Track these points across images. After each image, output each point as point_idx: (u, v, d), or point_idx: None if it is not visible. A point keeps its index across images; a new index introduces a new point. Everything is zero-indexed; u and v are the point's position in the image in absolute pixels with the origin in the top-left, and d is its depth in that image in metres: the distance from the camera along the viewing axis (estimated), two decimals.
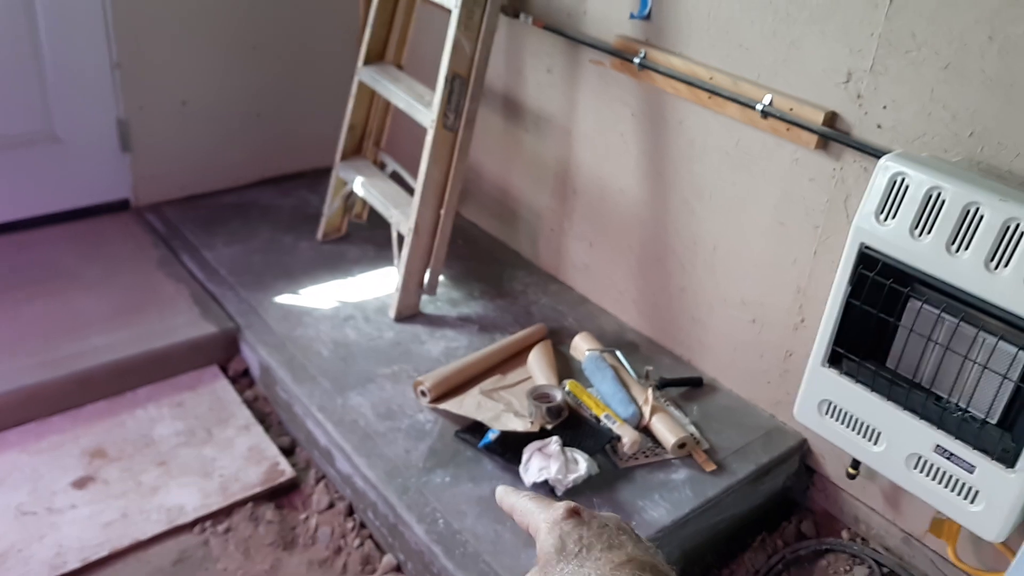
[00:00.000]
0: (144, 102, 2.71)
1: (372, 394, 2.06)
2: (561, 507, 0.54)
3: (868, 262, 1.58)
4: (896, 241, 1.53)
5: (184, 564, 1.78)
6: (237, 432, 2.10)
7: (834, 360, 1.70)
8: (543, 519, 0.54)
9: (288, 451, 2.10)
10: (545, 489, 1.76)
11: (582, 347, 2.21)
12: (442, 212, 2.28)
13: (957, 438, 1.55)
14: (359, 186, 2.51)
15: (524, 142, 2.60)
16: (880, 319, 1.61)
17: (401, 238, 2.32)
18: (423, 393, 2.02)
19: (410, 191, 2.34)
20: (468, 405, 1.99)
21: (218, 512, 1.88)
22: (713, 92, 1.94)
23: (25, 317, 2.26)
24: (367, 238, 2.75)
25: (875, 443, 1.68)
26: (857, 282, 1.61)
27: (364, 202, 2.72)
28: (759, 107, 1.84)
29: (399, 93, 2.32)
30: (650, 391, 2.03)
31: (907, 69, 1.61)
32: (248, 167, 3.02)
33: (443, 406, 1.99)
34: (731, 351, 2.15)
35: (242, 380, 2.31)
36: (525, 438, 1.86)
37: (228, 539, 1.84)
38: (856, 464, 1.86)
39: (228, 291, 2.43)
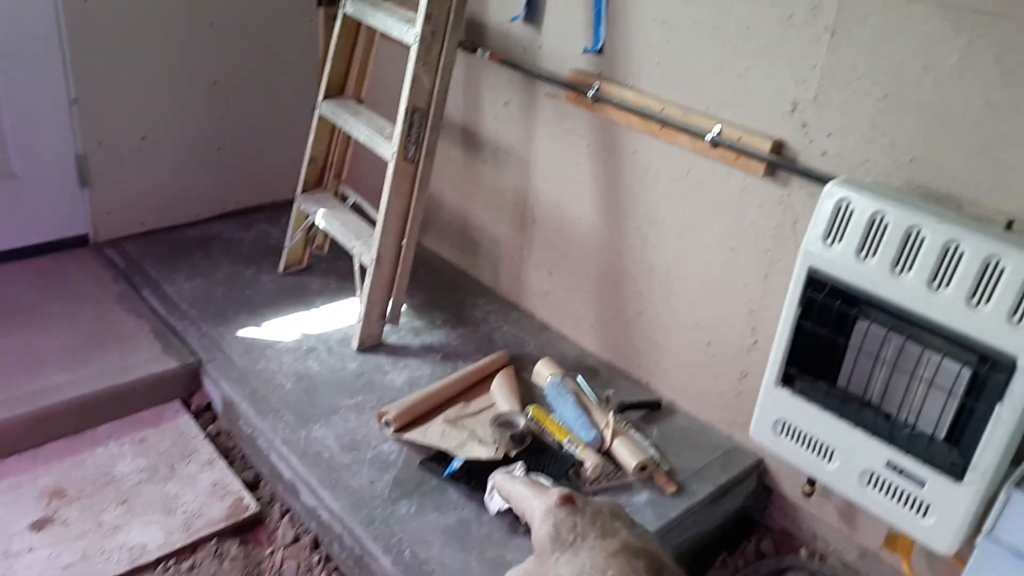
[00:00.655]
0: (103, 137, 2.71)
1: (336, 426, 2.06)
2: (555, 494, 0.54)
3: (816, 284, 1.64)
4: (843, 264, 1.59)
5: None
6: (200, 467, 2.09)
7: (787, 380, 1.75)
8: (537, 507, 0.54)
9: (252, 485, 2.09)
10: (510, 518, 1.78)
11: (544, 373, 2.24)
12: (404, 242, 2.30)
13: (907, 453, 1.60)
14: (321, 218, 2.53)
15: (483, 173, 2.64)
16: (830, 339, 1.66)
17: (363, 269, 2.34)
18: (387, 423, 2.03)
19: (372, 222, 2.36)
20: (432, 434, 2.00)
21: (182, 550, 1.87)
22: (664, 123, 2.00)
23: None
24: (329, 270, 2.76)
25: (829, 461, 1.72)
26: (806, 304, 1.66)
27: (326, 234, 2.74)
28: (709, 137, 1.90)
29: (360, 127, 2.35)
30: (611, 415, 2.06)
31: (849, 99, 1.68)
32: (209, 201, 3.02)
33: (407, 436, 2.00)
34: (688, 373, 2.20)
35: (205, 415, 2.30)
36: (490, 465, 1.88)
37: None
38: (812, 482, 1.91)
39: (190, 326, 2.43)
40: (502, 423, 1.98)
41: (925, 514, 1.60)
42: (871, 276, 1.56)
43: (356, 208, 2.60)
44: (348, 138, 2.61)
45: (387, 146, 2.22)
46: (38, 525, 1.88)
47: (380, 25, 2.28)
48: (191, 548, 1.88)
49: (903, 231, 1.50)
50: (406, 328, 2.49)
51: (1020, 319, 1.40)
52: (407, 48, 2.14)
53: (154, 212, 2.90)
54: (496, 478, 0.61)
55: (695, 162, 1.99)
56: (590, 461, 1.90)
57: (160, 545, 1.86)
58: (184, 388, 2.31)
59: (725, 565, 2.01)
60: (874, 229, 1.54)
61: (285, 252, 2.72)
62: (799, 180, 1.81)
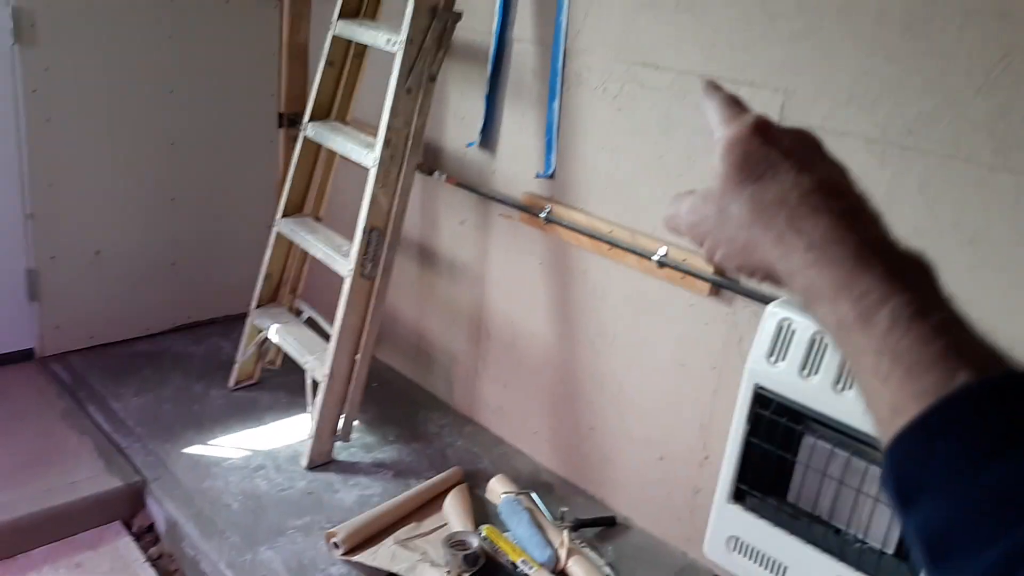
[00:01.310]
0: (56, 252, 2.70)
1: (283, 548, 2.00)
2: (749, 120, 0.48)
3: (763, 402, 1.68)
4: (787, 381, 1.64)
5: None
6: None
7: (738, 496, 1.77)
8: (726, 133, 0.49)
9: None
10: None
11: (498, 490, 2.22)
12: (358, 358, 2.31)
13: (858, 570, 1.61)
14: (274, 333, 2.53)
15: (439, 287, 2.69)
16: (778, 455, 1.69)
17: (315, 384, 2.33)
18: (336, 545, 1.98)
19: (325, 337, 2.37)
20: (382, 556, 1.96)
21: None
22: (613, 244, 2.08)
23: None
24: (280, 384, 2.74)
25: None
26: (754, 421, 1.70)
27: (278, 348, 2.73)
28: (655, 258, 1.98)
29: (317, 244, 2.39)
30: (565, 533, 2.04)
31: None
32: (161, 315, 3.01)
33: (357, 558, 1.95)
34: (642, 489, 2.20)
35: (147, 536, 2.22)
36: None
37: None
38: None
39: (135, 443, 2.37)
40: (455, 543, 1.95)
41: None
42: (815, 393, 1.61)
43: (310, 323, 2.61)
44: (305, 254, 2.64)
45: (344, 263, 2.25)
46: None
47: (340, 149, 2.36)
48: None
49: None
50: (358, 444, 2.46)
51: None
52: (366, 170, 2.21)
53: (104, 326, 2.87)
54: (705, 84, 0.54)
55: (643, 281, 2.06)
56: None
57: None
58: (127, 508, 2.24)
59: None
60: (815, 348, 1.61)
61: (236, 367, 2.69)
62: (743, 299, 1.88)
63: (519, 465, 2.45)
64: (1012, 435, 0.36)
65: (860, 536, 1.63)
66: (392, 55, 2.17)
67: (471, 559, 1.91)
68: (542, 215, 2.23)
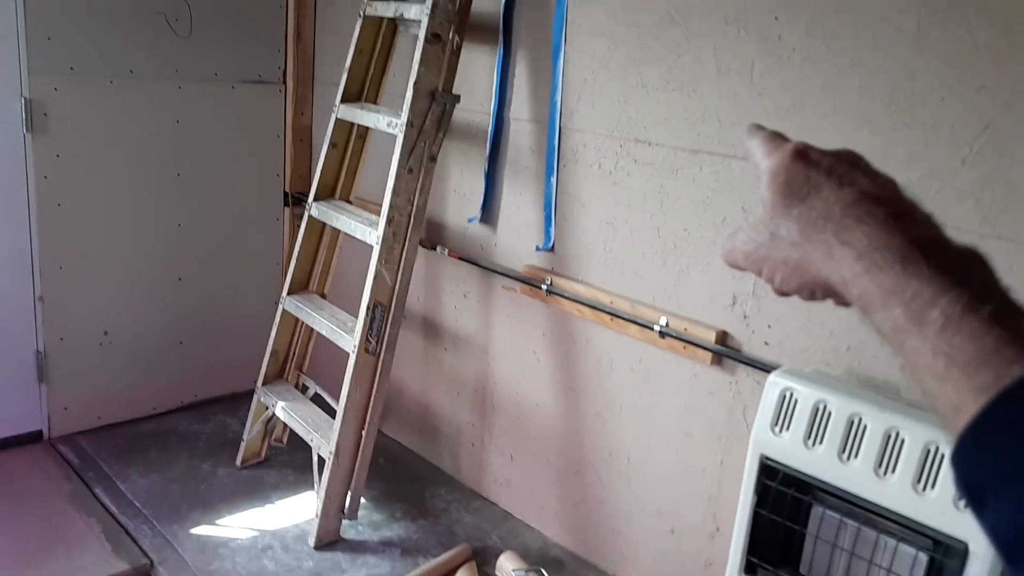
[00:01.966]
0: (65, 333, 2.74)
1: None
2: (788, 149, 0.50)
3: (769, 472, 1.67)
4: (793, 451, 1.64)
5: None
6: None
7: (749, 569, 1.75)
8: (767, 167, 0.50)
9: None
10: None
11: (507, 567, 2.19)
12: (364, 433, 2.31)
13: None
14: (280, 410, 2.54)
15: (444, 360, 2.70)
16: (788, 527, 1.68)
17: (322, 462, 2.33)
18: None
19: (332, 413, 2.37)
20: None
21: None
22: (614, 315, 2.09)
23: None
24: (287, 462, 2.73)
25: None
26: (762, 492, 1.69)
27: (285, 425, 2.73)
28: (656, 328, 1.99)
29: (322, 320, 2.42)
30: None
31: None
32: (168, 394, 3.02)
33: None
34: (653, 563, 2.17)
35: None
36: None
37: None
38: None
39: (143, 524, 2.36)
40: None
41: None
42: (821, 463, 1.60)
43: (317, 399, 2.62)
44: (311, 330, 2.67)
45: (349, 339, 2.27)
46: None
47: (344, 227, 2.40)
48: None
49: (846, 419, 1.57)
50: (365, 521, 2.44)
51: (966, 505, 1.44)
52: (370, 247, 2.25)
53: (112, 406, 2.89)
54: (750, 130, 0.56)
55: (646, 351, 2.07)
56: None
57: None
58: None
59: None
60: (818, 418, 1.61)
61: (243, 445, 2.69)
62: (745, 368, 1.89)
63: (528, 540, 2.43)
64: None
65: None
66: (394, 136, 2.23)
67: None
68: (543, 287, 2.25)
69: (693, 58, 1.90)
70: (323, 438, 2.35)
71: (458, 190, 2.54)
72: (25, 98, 2.51)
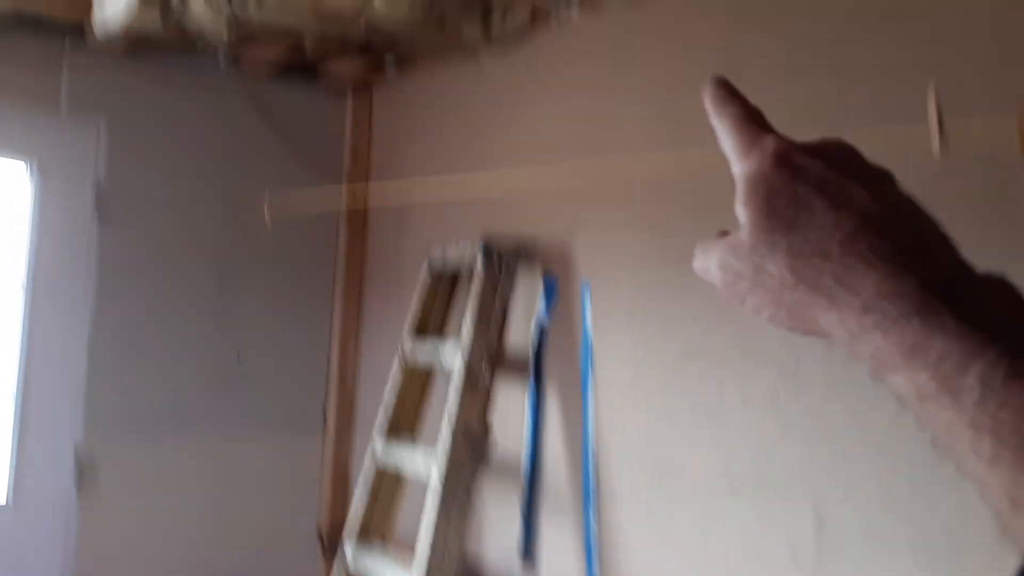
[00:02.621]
0: None
1: None
2: (769, 149, 0.40)
3: None
4: None
5: None
6: None
7: None
8: (742, 173, 0.40)
9: None
10: None
11: None
12: None
13: None
14: None
15: None
16: None
17: None
18: None
19: None
20: None
21: None
22: None
23: None
24: None
25: None
26: None
27: None
28: None
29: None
30: None
31: None
32: None
33: None
34: None
35: None
36: None
37: None
38: None
39: None
40: None
41: None
42: None
43: None
44: None
45: None
46: None
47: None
48: None
49: None
50: None
51: None
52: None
53: None
54: (712, 91, 0.44)
55: None
56: None
57: None
58: None
59: None
60: None
61: None
62: None
63: None
64: None
65: None
66: (430, 477, 2.24)
67: None
68: None
69: (716, 388, 1.95)
70: None
71: (496, 526, 2.49)
72: (77, 450, 2.60)
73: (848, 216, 0.37)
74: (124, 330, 2.70)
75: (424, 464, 2.29)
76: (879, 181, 0.40)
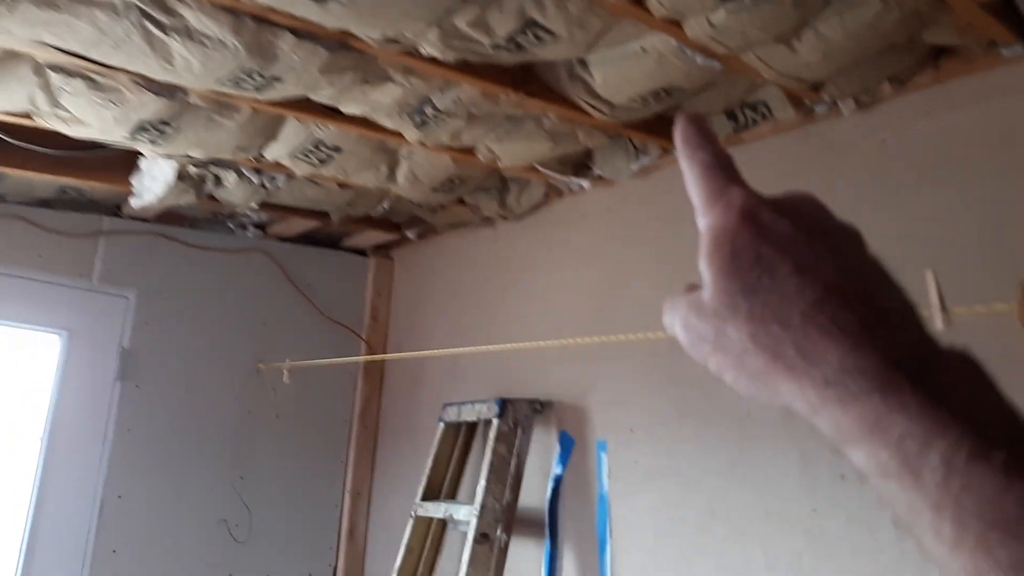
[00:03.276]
0: None
1: None
2: (736, 204, 0.38)
3: None
4: None
5: None
6: None
7: None
8: (707, 226, 0.39)
9: None
10: None
11: None
12: None
13: None
14: None
15: None
16: None
17: None
18: None
19: None
20: None
21: None
22: None
23: None
24: None
25: None
26: None
27: None
28: None
29: None
30: None
31: None
32: None
33: None
34: None
35: None
36: None
37: None
38: None
39: None
40: None
41: None
42: None
43: None
44: None
45: None
46: None
47: None
48: None
49: None
50: None
51: None
52: None
53: None
54: (681, 127, 0.42)
55: None
56: None
57: None
58: None
59: None
60: None
61: None
62: None
63: None
64: None
65: None
66: None
67: None
68: None
69: (740, 552, 1.92)
70: None
71: None
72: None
73: (812, 284, 0.36)
74: (136, 489, 2.69)
75: None
76: (847, 242, 0.39)
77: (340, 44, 1.72)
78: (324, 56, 1.73)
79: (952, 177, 1.76)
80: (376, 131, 2.12)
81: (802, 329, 0.35)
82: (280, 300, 3.06)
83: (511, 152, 2.24)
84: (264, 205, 2.64)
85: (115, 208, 2.72)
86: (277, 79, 1.79)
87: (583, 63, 1.84)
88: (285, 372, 2.81)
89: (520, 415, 2.47)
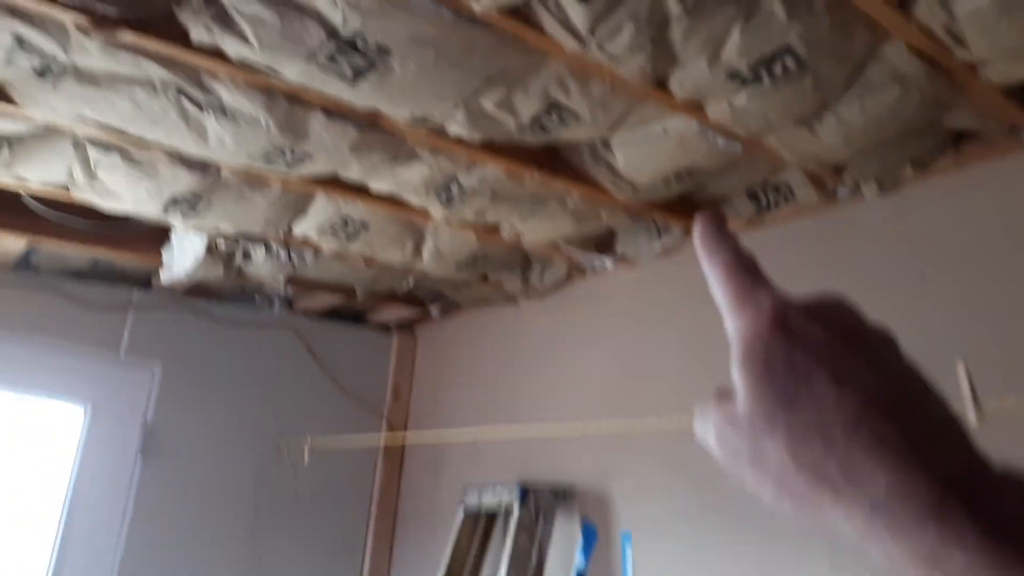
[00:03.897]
0: None
1: None
2: (766, 308, 0.36)
3: None
4: None
5: None
6: None
7: None
8: (737, 331, 0.37)
9: None
10: None
11: None
12: None
13: None
14: None
15: None
16: None
17: None
18: None
19: None
20: None
21: None
22: None
23: None
24: None
25: None
26: None
27: None
28: None
29: None
30: None
31: None
32: None
33: None
34: None
35: None
36: None
37: None
38: None
39: None
40: None
41: None
42: None
43: None
44: None
45: None
46: None
47: None
48: None
49: None
50: None
51: None
52: None
53: None
54: (702, 229, 0.41)
55: None
56: None
57: None
58: None
59: None
60: None
61: None
62: None
63: None
64: None
65: None
66: None
67: None
68: None
69: None
70: None
71: None
72: None
73: (852, 395, 0.34)
74: (152, 569, 2.65)
75: None
76: (883, 349, 0.36)
77: (369, 123, 1.77)
78: (354, 135, 1.78)
79: (977, 262, 1.74)
80: (403, 208, 2.15)
81: (844, 446, 0.33)
82: (303, 377, 3.06)
83: (535, 230, 2.26)
84: (291, 280, 2.67)
85: (145, 280, 2.76)
86: (307, 156, 1.84)
87: (606, 144, 1.87)
88: (305, 451, 2.79)
89: (542, 503, 2.40)
